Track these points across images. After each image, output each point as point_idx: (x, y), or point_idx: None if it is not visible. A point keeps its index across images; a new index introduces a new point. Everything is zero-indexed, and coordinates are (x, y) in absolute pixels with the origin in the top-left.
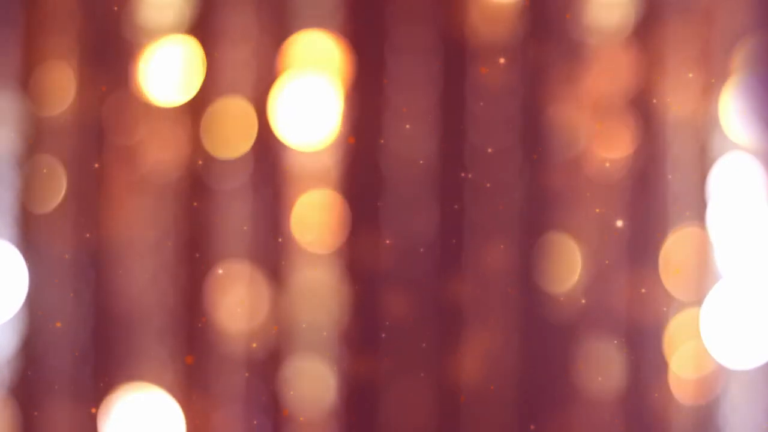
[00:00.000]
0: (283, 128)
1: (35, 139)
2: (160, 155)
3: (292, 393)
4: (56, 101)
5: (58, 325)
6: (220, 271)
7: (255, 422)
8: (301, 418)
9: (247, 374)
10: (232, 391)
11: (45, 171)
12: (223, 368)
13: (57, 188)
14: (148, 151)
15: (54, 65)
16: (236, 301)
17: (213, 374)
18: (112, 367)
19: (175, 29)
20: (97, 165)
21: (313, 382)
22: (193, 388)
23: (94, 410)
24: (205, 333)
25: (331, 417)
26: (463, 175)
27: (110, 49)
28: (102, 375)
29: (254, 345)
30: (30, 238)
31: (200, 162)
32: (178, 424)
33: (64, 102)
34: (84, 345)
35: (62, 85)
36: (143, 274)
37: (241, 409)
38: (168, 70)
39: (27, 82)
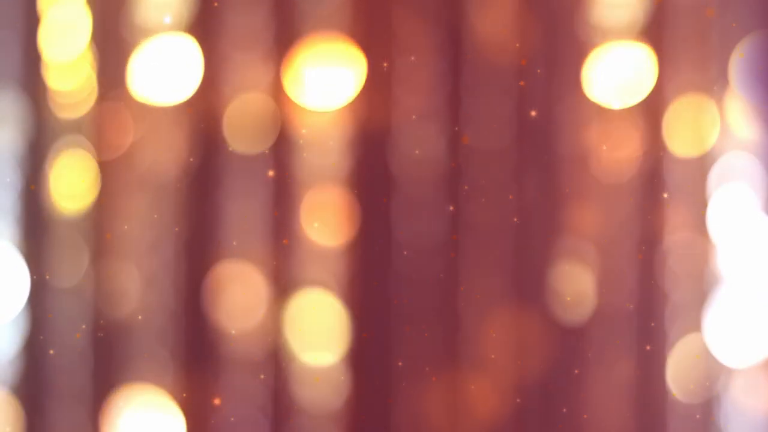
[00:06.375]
0: (293, 125)
1: (38, 140)
2: (161, 154)
3: (294, 393)
4: (69, 103)
5: (59, 325)
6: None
7: (255, 422)
8: (305, 419)
9: (247, 374)
10: (232, 391)
11: (45, 171)
12: (223, 368)
13: (57, 189)
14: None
15: (65, 66)
16: (239, 301)
17: (213, 375)
18: (113, 368)
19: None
20: (97, 164)
21: (317, 381)
22: (193, 389)
23: (95, 411)
24: (208, 333)
25: (336, 417)
26: (465, 173)
27: (115, 48)
28: (103, 376)
29: (259, 345)
30: (31, 239)
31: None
32: (178, 426)
33: (75, 103)
34: (85, 345)
35: (75, 86)
36: (146, 273)
37: (241, 410)
38: (165, 67)
39: (35, 82)
